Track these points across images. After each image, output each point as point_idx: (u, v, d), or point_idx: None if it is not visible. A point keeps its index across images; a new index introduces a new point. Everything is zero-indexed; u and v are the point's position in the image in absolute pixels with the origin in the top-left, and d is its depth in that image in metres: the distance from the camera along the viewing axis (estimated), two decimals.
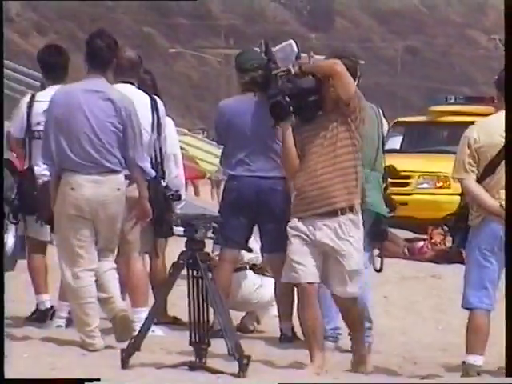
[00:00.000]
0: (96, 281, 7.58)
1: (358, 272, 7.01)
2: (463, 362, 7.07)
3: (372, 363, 7.48)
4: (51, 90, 8.45)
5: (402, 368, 7.48)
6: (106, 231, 7.61)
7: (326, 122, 7.00)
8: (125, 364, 6.96)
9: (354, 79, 7.18)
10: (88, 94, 7.58)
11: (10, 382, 6.00)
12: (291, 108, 7.01)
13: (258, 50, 8.21)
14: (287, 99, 6.98)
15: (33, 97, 8.66)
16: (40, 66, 8.80)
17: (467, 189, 7.11)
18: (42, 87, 8.96)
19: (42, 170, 8.33)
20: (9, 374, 6.01)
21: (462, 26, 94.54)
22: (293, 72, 7.08)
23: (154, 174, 7.85)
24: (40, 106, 8.42)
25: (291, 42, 7.56)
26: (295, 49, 7.53)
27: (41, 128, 8.32)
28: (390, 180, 8.57)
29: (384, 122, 8.41)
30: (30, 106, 8.54)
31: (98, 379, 5.49)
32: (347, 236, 6.97)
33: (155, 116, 8.21)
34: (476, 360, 7.02)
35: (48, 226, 8.25)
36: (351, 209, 6.97)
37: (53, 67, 8.65)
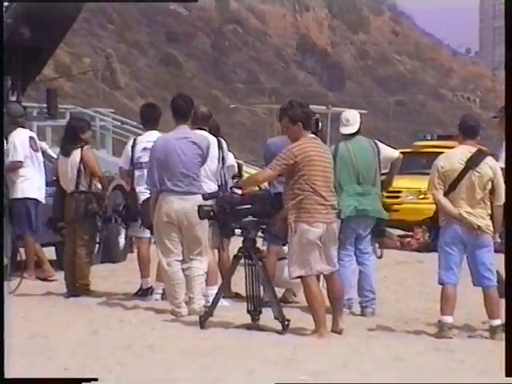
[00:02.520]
0: (186, 278, 7.51)
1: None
2: (439, 321, 6.99)
3: (375, 323, 7.41)
4: (147, 135, 8.48)
5: (397, 326, 7.37)
6: (188, 235, 7.58)
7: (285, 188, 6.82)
8: (202, 325, 6.95)
9: (308, 125, 6.83)
10: (179, 140, 7.57)
11: (10, 382, 4.76)
12: (211, 213, 7.01)
13: None
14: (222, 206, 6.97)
15: (135, 140, 8.66)
16: (140, 117, 8.81)
17: (437, 200, 7.02)
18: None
19: (142, 189, 8.35)
20: (9, 374, 4.82)
21: (435, 85, 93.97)
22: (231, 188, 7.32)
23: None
24: (140, 146, 8.45)
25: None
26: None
27: (141, 161, 8.36)
28: (385, 193, 8.50)
29: (387, 151, 8.21)
30: (133, 146, 8.55)
31: (96, 379, 4.63)
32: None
33: (220, 152, 8.19)
34: (447, 319, 6.93)
35: (145, 229, 8.26)
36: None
37: (148, 118, 8.65)
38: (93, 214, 8.59)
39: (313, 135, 6.88)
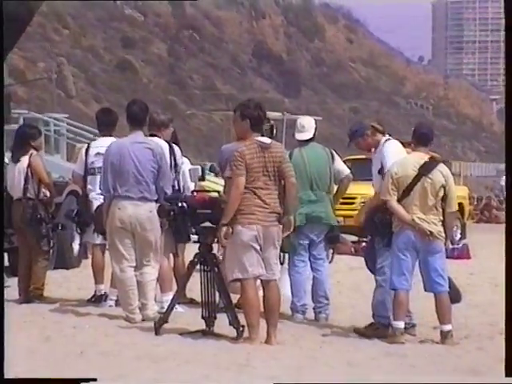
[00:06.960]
0: (138, 284, 7.47)
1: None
2: (391, 326, 7.04)
3: (329, 329, 7.42)
4: (101, 140, 8.42)
5: (350, 331, 7.39)
6: (141, 240, 7.53)
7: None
8: (157, 331, 6.89)
9: (256, 127, 6.69)
10: (134, 145, 7.51)
11: (10, 382, 4.70)
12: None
13: None
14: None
15: (89, 145, 8.62)
16: (96, 122, 8.73)
17: (390, 207, 7.06)
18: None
19: (94, 195, 8.31)
20: (9, 374, 4.80)
21: (389, 93, 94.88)
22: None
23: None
24: (93, 151, 8.40)
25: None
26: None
27: (94, 166, 8.32)
28: (340, 200, 8.53)
29: (340, 164, 8.26)
30: (87, 151, 8.50)
31: (95, 379, 4.63)
32: None
33: (172, 158, 8.10)
34: (399, 324, 6.97)
35: (98, 234, 8.21)
36: None
37: (104, 123, 8.57)
38: (39, 221, 8.50)
39: (263, 138, 6.82)
